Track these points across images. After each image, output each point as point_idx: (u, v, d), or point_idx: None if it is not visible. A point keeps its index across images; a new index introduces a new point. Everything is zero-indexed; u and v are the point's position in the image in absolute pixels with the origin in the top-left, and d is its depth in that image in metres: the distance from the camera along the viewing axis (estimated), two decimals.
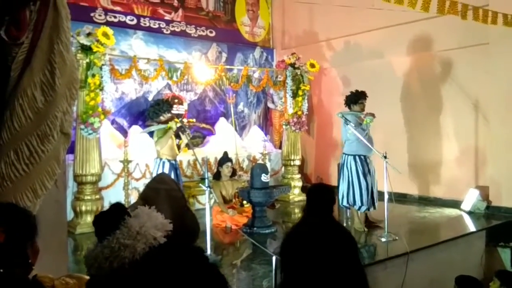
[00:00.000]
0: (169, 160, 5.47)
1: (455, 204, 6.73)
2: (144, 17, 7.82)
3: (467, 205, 6.50)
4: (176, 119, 5.50)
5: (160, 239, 1.56)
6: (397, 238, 4.93)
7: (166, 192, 1.94)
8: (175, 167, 5.50)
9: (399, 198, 6.87)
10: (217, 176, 6.16)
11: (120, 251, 1.50)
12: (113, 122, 7.18)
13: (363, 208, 5.36)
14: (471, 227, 5.83)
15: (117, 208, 1.69)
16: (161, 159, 5.49)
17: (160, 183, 2.03)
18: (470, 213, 6.38)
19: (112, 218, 1.62)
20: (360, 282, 1.16)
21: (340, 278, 1.12)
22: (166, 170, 5.38)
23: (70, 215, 5.61)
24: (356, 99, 5.50)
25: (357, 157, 5.39)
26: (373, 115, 5.38)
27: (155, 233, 1.56)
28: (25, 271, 1.51)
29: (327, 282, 1.11)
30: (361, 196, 5.34)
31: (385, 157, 5.10)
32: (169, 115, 5.70)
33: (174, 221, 1.69)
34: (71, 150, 5.59)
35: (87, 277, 1.66)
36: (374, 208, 5.41)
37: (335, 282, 1.11)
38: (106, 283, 1.49)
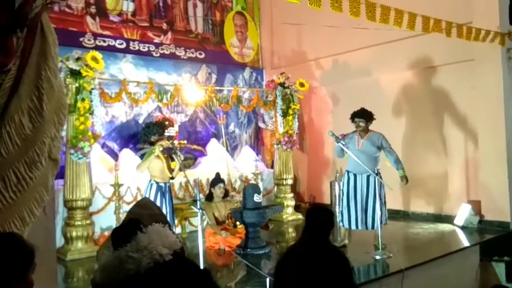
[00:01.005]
0: (157, 183, 5.41)
1: (448, 219, 6.74)
2: (134, 40, 7.87)
3: (460, 220, 6.51)
4: (163, 142, 5.46)
5: (166, 256, 1.62)
6: (391, 255, 4.90)
7: (148, 217, 1.96)
8: (163, 190, 5.42)
9: (393, 214, 6.86)
10: (209, 197, 6.12)
11: (126, 263, 1.59)
12: (103, 145, 7.14)
13: (341, 224, 5.47)
14: (465, 242, 5.82)
15: (133, 223, 1.78)
16: (150, 181, 5.46)
17: (142, 208, 2.05)
18: (463, 228, 6.38)
19: (127, 232, 1.71)
20: None
21: None
22: (153, 193, 5.33)
23: (60, 241, 5.52)
24: (351, 117, 5.59)
25: (345, 174, 5.53)
26: (341, 137, 5.46)
27: (161, 250, 1.63)
28: None
29: None
30: (341, 213, 5.48)
31: (377, 173, 5.12)
32: (158, 137, 5.63)
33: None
34: (61, 175, 5.53)
35: None
36: (373, 227, 5.31)
37: None
38: None
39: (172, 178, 5.58)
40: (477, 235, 6.09)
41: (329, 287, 1.12)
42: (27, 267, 1.60)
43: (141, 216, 1.99)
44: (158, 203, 5.21)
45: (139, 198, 6.19)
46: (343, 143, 5.30)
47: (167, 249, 1.64)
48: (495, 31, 5.99)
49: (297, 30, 9.00)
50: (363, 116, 5.52)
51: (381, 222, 5.25)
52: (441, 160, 7.11)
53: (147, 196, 5.38)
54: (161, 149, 5.35)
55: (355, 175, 5.42)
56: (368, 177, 5.32)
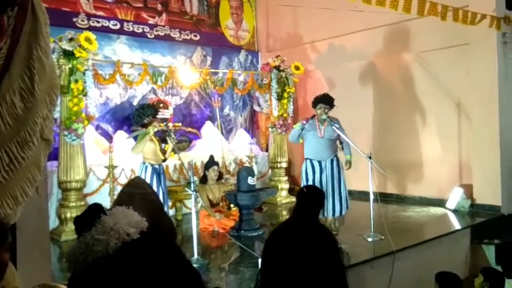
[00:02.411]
0: (152, 165, 5.43)
1: (440, 202, 6.82)
2: (128, 21, 7.78)
3: (451, 203, 6.58)
4: (155, 124, 5.45)
5: (133, 235, 1.62)
6: (383, 237, 4.96)
7: (141, 196, 1.96)
8: (158, 172, 5.46)
9: (385, 198, 6.93)
10: (203, 180, 6.14)
11: (94, 246, 1.58)
12: (97, 127, 7.12)
13: None
14: (456, 225, 5.90)
15: (95, 208, 1.76)
16: (144, 163, 5.47)
17: (134, 188, 2.05)
18: (454, 211, 6.46)
19: (89, 217, 1.69)
20: (339, 283, 1.18)
21: (320, 278, 1.13)
22: (148, 175, 5.36)
23: (55, 222, 5.55)
24: (315, 103, 5.41)
25: (307, 162, 5.36)
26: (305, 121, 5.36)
27: (128, 229, 1.62)
28: None
29: (307, 281, 1.12)
30: None
31: (370, 157, 5.15)
32: (151, 119, 5.59)
33: (150, 225, 1.72)
34: (55, 156, 5.53)
35: (63, 286, 1.68)
36: (341, 213, 5.36)
37: (315, 282, 1.12)
38: (82, 276, 1.56)
39: (164, 160, 5.59)
40: (469, 218, 6.17)
41: (316, 264, 1.14)
42: None
43: (134, 195, 1.99)
44: (154, 185, 5.25)
45: None
46: (337, 127, 5.30)
47: (134, 228, 1.63)
48: (491, 15, 5.97)
49: (293, 12, 8.93)
50: (329, 102, 5.38)
51: (347, 207, 5.34)
52: (435, 144, 7.15)
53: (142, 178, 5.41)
54: (155, 130, 5.35)
55: (319, 162, 5.29)
56: (331, 161, 5.30)
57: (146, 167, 5.42)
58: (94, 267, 1.52)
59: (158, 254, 1.45)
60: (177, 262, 1.43)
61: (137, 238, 1.61)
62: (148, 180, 5.30)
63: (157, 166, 5.46)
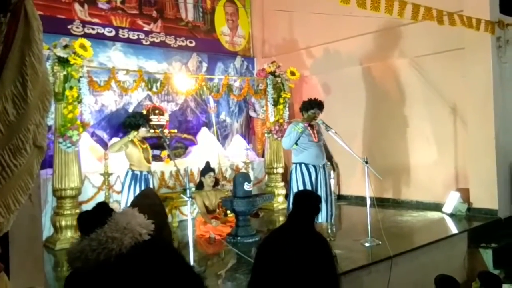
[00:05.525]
0: (133, 171, 5.49)
1: (437, 207, 6.81)
2: (123, 28, 7.77)
3: (448, 207, 6.58)
4: (141, 131, 5.52)
5: (144, 236, 1.62)
6: (380, 242, 4.94)
7: (148, 207, 1.97)
8: (137, 179, 5.48)
9: (382, 203, 6.92)
10: (199, 186, 6.12)
11: (108, 244, 1.56)
12: (93, 134, 7.09)
13: None
14: (453, 229, 5.90)
15: (103, 206, 1.75)
16: (128, 170, 5.51)
17: (144, 198, 2.07)
18: (451, 215, 6.45)
19: (99, 214, 1.68)
20: None
21: (314, 284, 1.11)
22: (127, 181, 5.46)
23: (50, 230, 5.50)
24: (307, 108, 5.39)
25: (302, 166, 5.25)
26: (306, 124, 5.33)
27: (140, 230, 1.63)
28: None
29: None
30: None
31: (366, 162, 5.14)
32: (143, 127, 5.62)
33: (153, 233, 1.73)
34: (50, 164, 5.49)
35: None
36: (331, 218, 5.33)
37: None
38: (92, 275, 1.53)
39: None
40: (465, 222, 6.16)
41: (308, 272, 1.12)
42: None
43: (142, 205, 2.01)
44: (131, 192, 5.36)
45: None
46: (333, 131, 5.30)
47: (145, 229, 1.64)
48: (485, 19, 6.00)
49: (288, 18, 8.96)
50: (321, 107, 5.37)
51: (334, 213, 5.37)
52: (431, 148, 7.16)
53: (123, 184, 5.54)
54: (147, 136, 5.40)
55: (315, 167, 5.22)
56: (324, 166, 5.29)
57: (127, 173, 5.49)
58: (106, 265, 1.50)
59: (165, 257, 1.45)
60: (182, 267, 1.43)
61: (147, 240, 1.61)
62: (126, 186, 5.46)
63: (138, 173, 5.50)
